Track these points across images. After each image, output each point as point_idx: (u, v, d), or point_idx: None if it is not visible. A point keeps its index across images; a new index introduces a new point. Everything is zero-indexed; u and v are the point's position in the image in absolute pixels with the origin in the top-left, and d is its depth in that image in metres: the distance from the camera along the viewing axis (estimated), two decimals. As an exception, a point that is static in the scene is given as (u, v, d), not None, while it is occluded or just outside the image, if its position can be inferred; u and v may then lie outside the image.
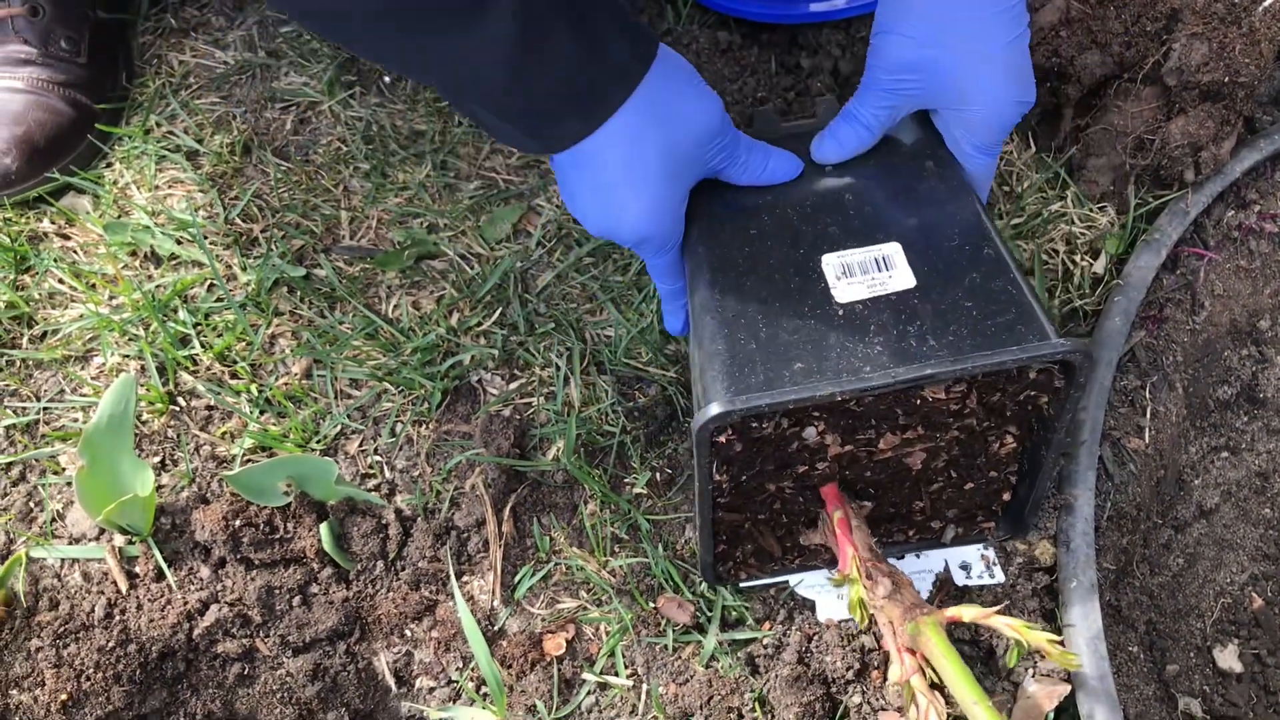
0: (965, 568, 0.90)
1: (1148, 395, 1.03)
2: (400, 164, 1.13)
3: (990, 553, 0.91)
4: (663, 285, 0.89)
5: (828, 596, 0.89)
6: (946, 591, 0.90)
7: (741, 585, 0.89)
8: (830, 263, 0.77)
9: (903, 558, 0.91)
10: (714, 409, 0.68)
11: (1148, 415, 1.03)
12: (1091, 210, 1.08)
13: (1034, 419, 0.78)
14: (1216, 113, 1.04)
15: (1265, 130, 1.14)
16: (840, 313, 0.74)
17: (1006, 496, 0.86)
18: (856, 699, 0.85)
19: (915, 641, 0.74)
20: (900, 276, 0.75)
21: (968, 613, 0.74)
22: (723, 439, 0.72)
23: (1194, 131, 1.04)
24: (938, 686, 0.74)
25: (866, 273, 0.76)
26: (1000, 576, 0.90)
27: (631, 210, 0.80)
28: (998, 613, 0.74)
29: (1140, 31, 1.04)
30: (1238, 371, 1.17)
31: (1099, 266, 1.06)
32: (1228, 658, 1.12)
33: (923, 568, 0.91)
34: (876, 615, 0.77)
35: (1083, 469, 0.93)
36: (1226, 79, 1.01)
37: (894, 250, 0.77)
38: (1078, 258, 1.06)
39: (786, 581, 0.89)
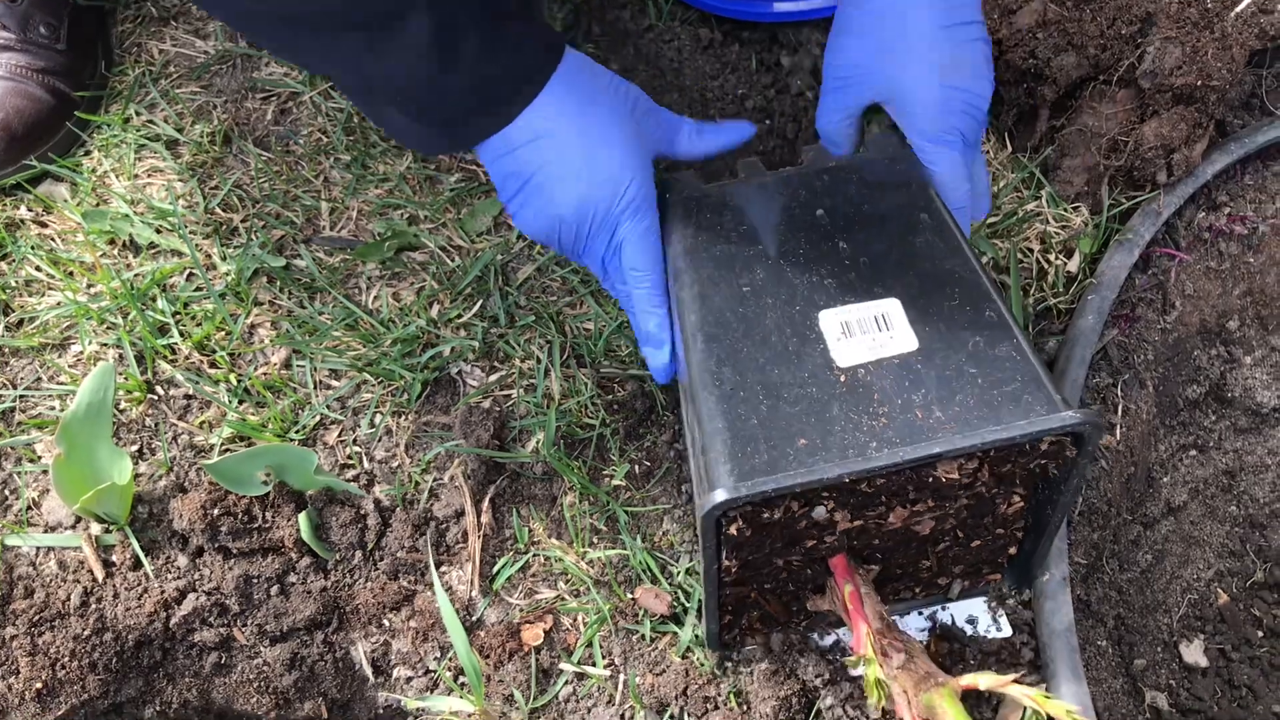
0: (972, 622, 0.90)
1: (1119, 393, 1.05)
2: (381, 156, 1.13)
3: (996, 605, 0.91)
4: (646, 313, 0.87)
5: None
6: (941, 636, 0.90)
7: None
8: (829, 321, 0.76)
9: (907, 614, 0.90)
10: (719, 495, 0.66)
11: (1119, 413, 1.04)
12: (1066, 210, 1.10)
13: (1042, 481, 0.77)
14: (1189, 115, 1.05)
15: (1236, 134, 1.16)
16: (843, 379, 0.72)
17: (1013, 551, 0.85)
18: (829, 701, 0.86)
19: (931, 712, 0.72)
20: (901, 337, 0.74)
21: (984, 680, 0.72)
22: (733, 530, 0.70)
23: (1167, 134, 1.05)
24: None
25: (866, 332, 0.74)
26: (1007, 630, 0.89)
27: (602, 159, 0.83)
28: (1015, 680, 0.72)
29: (1115, 34, 1.06)
30: (1207, 371, 1.19)
31: (1073, 265, 1.07)
32: (1194, 653, 1.14)
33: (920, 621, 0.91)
34: (890, 685, 0.75)
35: (1055, 464, 0.94)
36: (1199, 82, 1.03)
37: (894, 307, 0.76)
38: (1052, 256, 1.07)
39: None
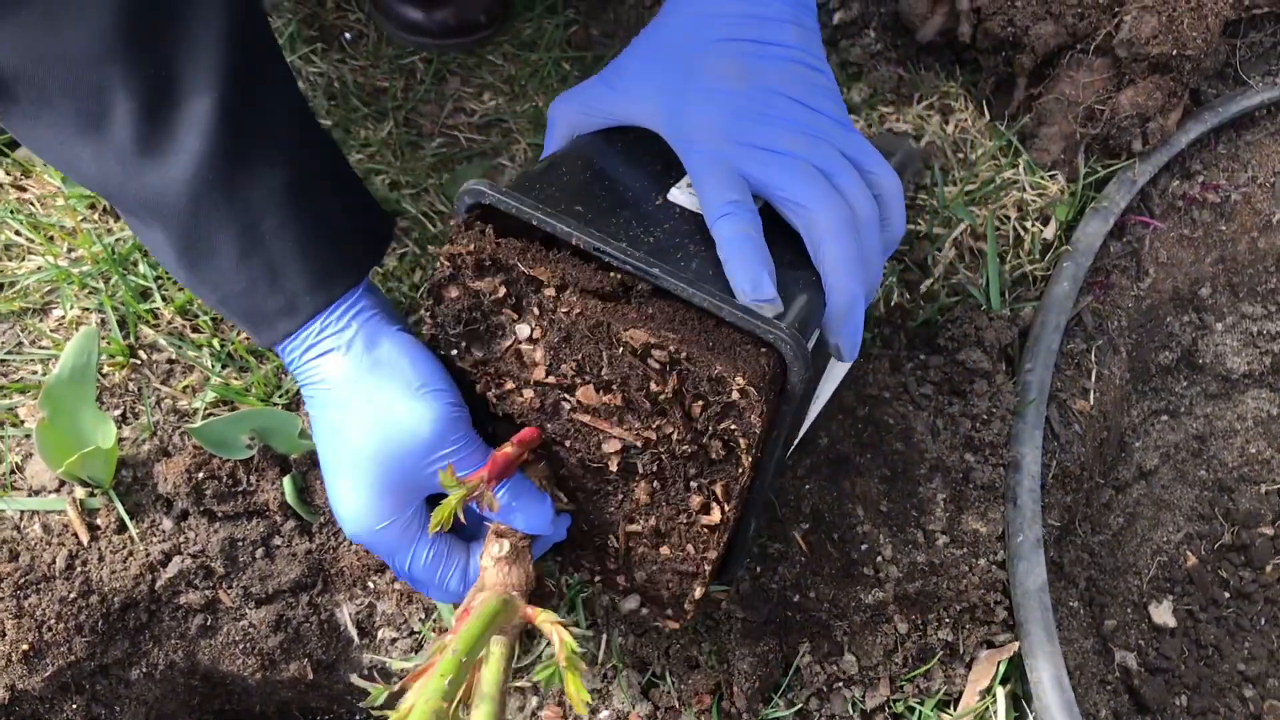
0: None
1: (1093, 359, 1.07)
2: (362, 121, 1.13)
3: None
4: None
5: None
6: None
7: None
8: (682, 184, 0.75)
9: None
10: (480, 185, 0.67)
11: (1093, 378, 1.06)
12: (1042, 178, 1.11)
13: (736, 488, 0.71)
14: (1164, 85, 1.07)
15: (1210, 103, 1.18)
16: (658, 202, 0.72)
17: (698, 593, 0.77)
18: (808, 659, 0.88)
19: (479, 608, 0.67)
20: None
21: (542, 616, 0.68)
22: (458, 259, 0.67)
23: (1142, 102, 1.07)
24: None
25: None
26: None
27: (337, 492, 0.74)
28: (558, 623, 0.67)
29: (1093, 3, 1.07)
30: (1179, 337, 1.21)
31: (1049, 232, 1.08)
32: (1162, 613, 1.16)
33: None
34: (484, 569, 0.72)
35: (1030, 427, 0.96)
36: (1175, 51, 1.04)
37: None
38: (1029, 224, 1.09)
39: None
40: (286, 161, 0.71)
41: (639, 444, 0.69)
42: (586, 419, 0.70)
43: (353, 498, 0.72)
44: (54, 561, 0.89)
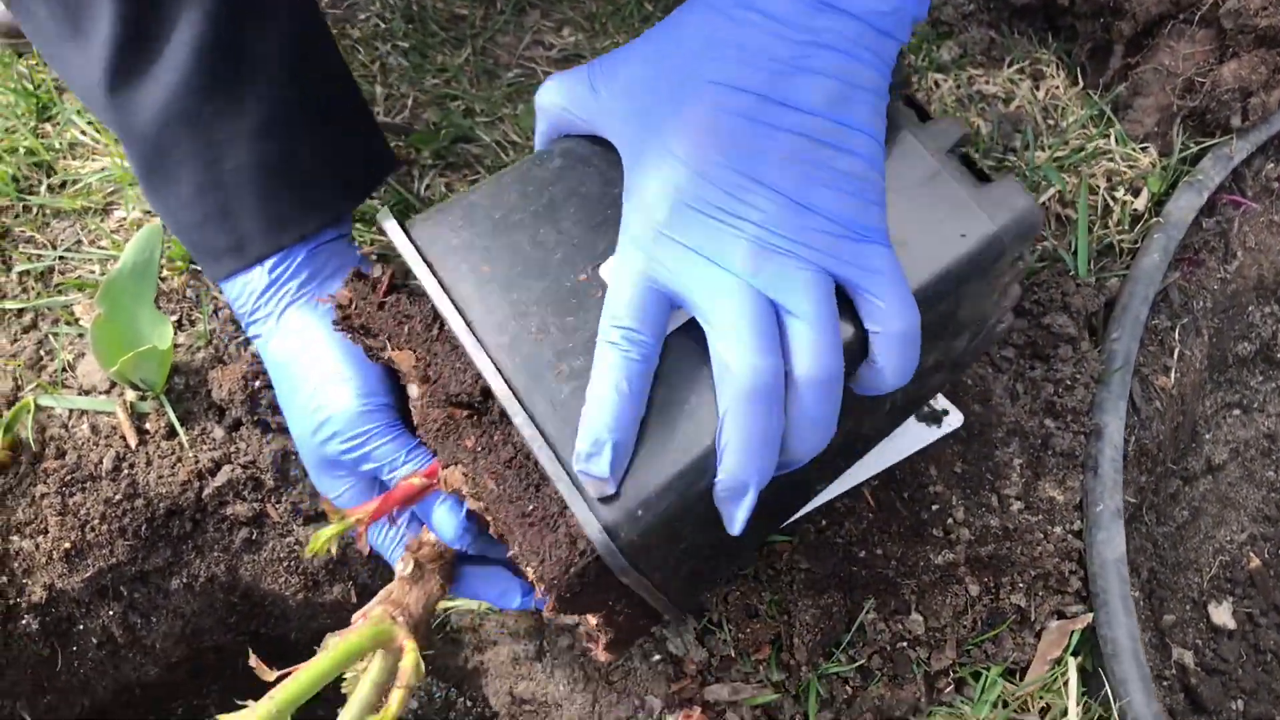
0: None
1: (1176, 337, 1.03)
2: (439, 46, 1.10)
3: None
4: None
5: None
6: None
7: None
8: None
9: None
10: (386, 218, 0.63)
11: (1175, 356, 1.02)
12: (1134, 149, 1.07)
13: None
14: (1270, 59, 1.03)
15: (1313, 85, 1.14)
16: (582, 277, 0.61)
17: (602, 656, 0.73)
18: (872, 615, 0.84)
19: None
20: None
21: (408, 658, 0.65)
22: (349, 291, 0.64)
23: (1246, 76, 1.03)
24: None
25: None
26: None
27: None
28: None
29: (1201, -29, 1.04)
30: (1259, 329, 1.17)
31: (1140, 203, 1.05)
32: (1222, 614, 1.13)
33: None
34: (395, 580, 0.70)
35: (1114, 396, 0.92)
36: (1284, 24, 1.00)
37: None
38: (1118, 194, 1.05)
39: None
40: (264, 99, 0.69)
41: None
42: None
43: (307, 469, 0.74)
44: (100, 462, 0.86)
